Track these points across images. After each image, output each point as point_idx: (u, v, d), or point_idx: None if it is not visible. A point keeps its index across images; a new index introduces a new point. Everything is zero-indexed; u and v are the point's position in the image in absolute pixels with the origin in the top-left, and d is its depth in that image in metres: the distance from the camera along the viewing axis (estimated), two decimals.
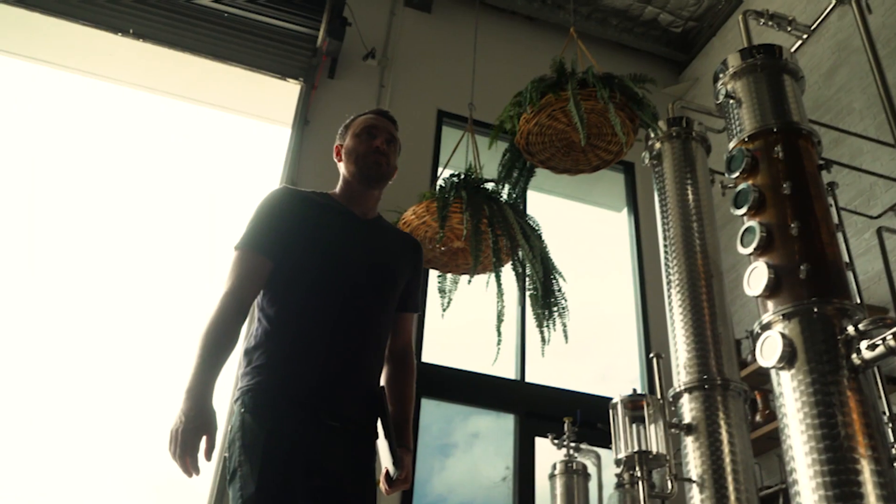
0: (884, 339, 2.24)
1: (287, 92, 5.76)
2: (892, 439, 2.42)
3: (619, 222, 6.61)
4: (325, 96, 5.64)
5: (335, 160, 2.31)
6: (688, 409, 3.02)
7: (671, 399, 3.14)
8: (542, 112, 3.86)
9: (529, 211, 4.56)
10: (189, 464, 1.76)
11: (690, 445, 2.95)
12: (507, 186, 4.37)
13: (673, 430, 3.01)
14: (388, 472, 2.00)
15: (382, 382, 2.21)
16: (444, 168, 4.72)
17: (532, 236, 3.99)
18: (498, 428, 5.24)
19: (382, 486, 2.06)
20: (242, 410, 1.89)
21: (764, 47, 3.08)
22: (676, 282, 3.30)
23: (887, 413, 2.49)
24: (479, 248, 3.71)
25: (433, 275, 5.07)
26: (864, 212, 4.15)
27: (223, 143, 6.23)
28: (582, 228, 6.70)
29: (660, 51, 7.14)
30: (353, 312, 2.05)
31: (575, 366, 5.71)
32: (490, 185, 4.22)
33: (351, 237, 2.17)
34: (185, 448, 1.76)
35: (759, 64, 3.03)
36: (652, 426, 2.95)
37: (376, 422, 2.02)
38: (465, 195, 3.83)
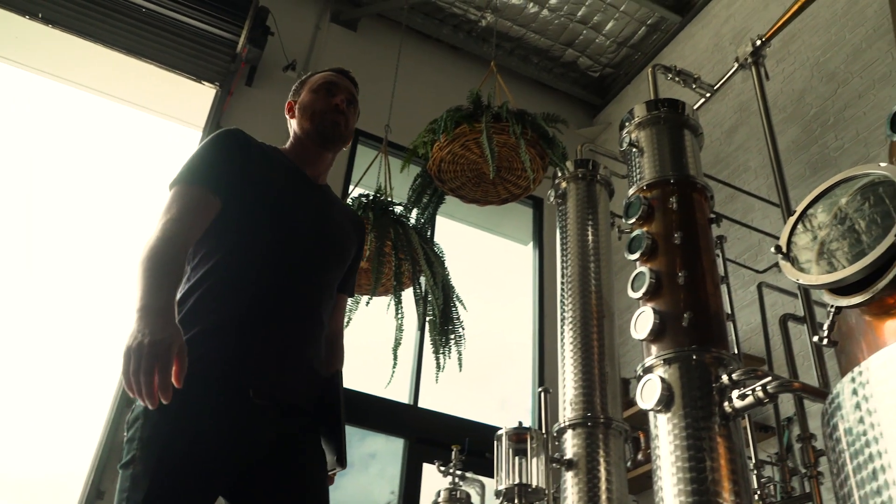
0: (753, 390, 2.34)
1: (202, 95, 5.64)
2: (754, 485, 2.53)
3: (525, 255, 6.72)
4: (240, 103, 5.56)
5: (286, 116, 2.10)
6: (570, 445, 3.09)
7: (555, 434, 3.20)
8: (455, 141, 3.91)
9: (437, 237, 4.59)
10: (160, 381, 1.42)
11: (570, 480, 3.01)
12: (415, 211, 4.39)
13: (554, 464, 3.06)
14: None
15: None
16: (355, 186, 4.71)
17: (436, 263, 4.01)
18: (388, 451, 5.22)
19: None
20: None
21: (668, 101, 3.21)
22: (570, 319, 3.37)
23: (753, 459, 2.61)
24: (380, 270, 3.71)
25: None
26: (752, 266, 4.36)
27: (133, 140, 6.03)
28: (489, 258, 6.79)
29: (577, 93, 7.36)
30: (301, 281, 1.83)
31: (473, 394, 5.75)
32: (399, 209, 4.24)
33: (302, 198, 1.95)
34: (155, 360, 1.42)
35: (662, 117, 3.15)
36: (534, 459, 2.99)
37: (322, 407, 1.81)
38: (372, 216, 3.82)
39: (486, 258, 6.76)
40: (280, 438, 1.72)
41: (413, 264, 3.85)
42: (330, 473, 1.83)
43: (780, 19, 3.38)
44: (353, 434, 5.23)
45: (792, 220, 1.86)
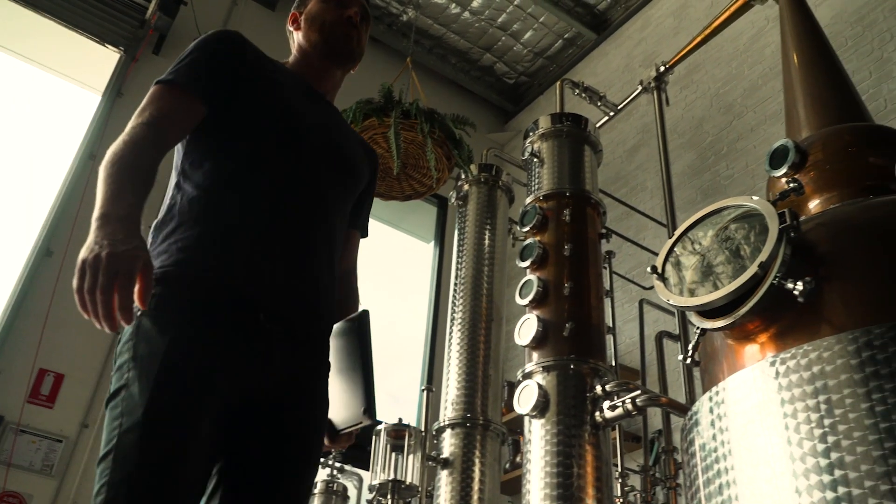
0: (623, 402, 2.44)
1: (105, 59, 5.41)
2: (617, 493, 2.63)
3: (427, 253, 6.76)
4: (145, 71, 5.35)
5: (289, 30, 1.89)
6: (448, 444, 3.13)
7: (434, 432, 3.24)
8: (363, 133, 3.89)
9: None
10: (120, 301, 1.20)
11: (444, 479, 3.05)
12: None
13: (430, 462, 3.10)
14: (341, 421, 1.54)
15: None
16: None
17: None
18: None
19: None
20: (139, 312, 1.38)
21: (572, 116, 3.30)
22: (459, 320, 3.42)
23: (619, 468, 2.71)
24: None
25: None
26: (639, 282, 4.52)
27: (28, 98, 5.73)
28: (391, 253, 6.79)
29: (492, 97, 7.44)
30: (312, 199, 1.63)
31: None
32: None
33: (309, 106, 1.75)
34: (115, 276, 1.20)
35: (565, 130, 3.24)
36: (411, 457, 3.02)
37: (327, 345, 1.61)
38: None
39: (389, 252, 6.76)
40: (287, 378, 1.52)
41: None
42: (352, 428, 1.55)
43: (683, 48, 3.52)
44: None
45: (669, 242, 1.95)
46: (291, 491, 1.49)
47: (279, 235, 1.56)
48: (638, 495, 2.84)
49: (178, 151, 1.64)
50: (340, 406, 1.54)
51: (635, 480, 3.11)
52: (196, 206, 1.53)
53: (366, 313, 1.59)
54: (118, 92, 5.19)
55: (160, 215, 1.57)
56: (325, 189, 1.67)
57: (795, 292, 1.67)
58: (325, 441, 1.58)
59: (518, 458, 4.61)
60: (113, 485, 1.28)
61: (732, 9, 3.28)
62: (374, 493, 3.04)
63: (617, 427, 3.08)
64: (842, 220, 1.91)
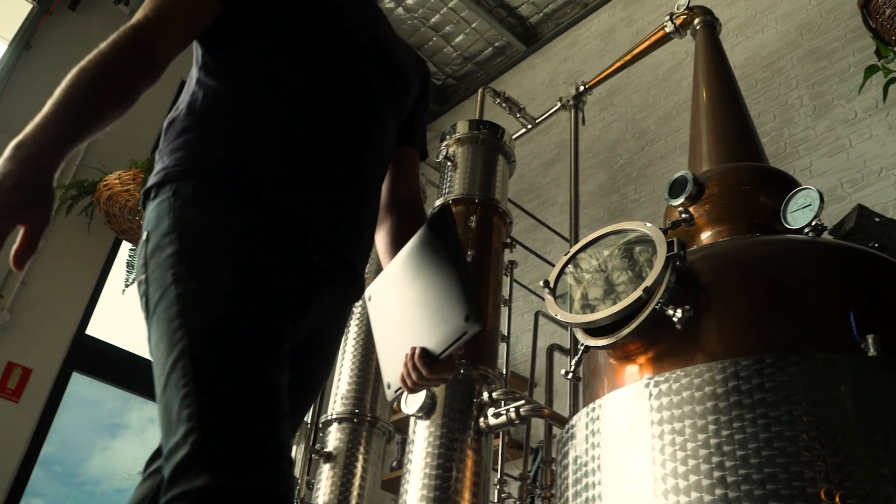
0: (507, 410, 2.48)
1: (17, 8, 5.14)
2: (494, 499, 2.67)
3: None
4: (58, 26, 5.12)
5: None
6: (333, 438, 3.11)
7: (321, 425, 3.22)
8: None
9: None
10: None
11: (326, 473, 3.03)
12: None
13: (314, 455, 3.07)
14: (440, 341, 1.21)
15: (382, 238, 1.54)
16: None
17: None
18: (153, 419, 5.01)
19: (415, 368, 1.24)
20: (177, 203, 1.18)
21: (490, 125, 3.33)
22: (359, 315, 3.40)
23: (499, 475, 2.75)
24: None
25: (126, 247, 4.77)
26: (541, 294, 4.61)
27: None
28: None
29: None
30: (361, 108, 1.39)
31: None
32: None
33: (356, 9, 1.49)
34: None
35: (481, 138, 3.27)
36: (294, 448, 2.99)
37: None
38: None
39: None
40: (318, 319, 1.31)
41: None
42: (455, 345, 1.20)
43: (603, 71, 3.61)
44: (133, 399, 4.99)
45: (564, 259, 1.99)
46: None
47: (327, 148, 1.32)
48: (515, 502, 2.89)
49: (196, 45, 1.38)
50: (429, 328, 1.23)
51: (515, 488, 3.16)
52: (227, 103, 1.29)
53: (446, 207, 1.30)
54: (27, 44, 4.95)
55: (176, 112, 1.32)
56: (375, 97, 1.42)
57: (674, 319, 1.74)
58: (424, 373, 1.24)
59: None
60: (207, 415, 1.02)
61: (652, 39, 3.38)
62: None
63: (501, 434, 3.13)
64: (727, 254, 2.00)
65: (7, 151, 1.06)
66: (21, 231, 1.04)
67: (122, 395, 4.93)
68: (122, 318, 4.96)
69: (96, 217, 4.40)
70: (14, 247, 1.03)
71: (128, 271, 4.17)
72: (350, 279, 1.36)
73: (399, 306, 1.31)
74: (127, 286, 4.12)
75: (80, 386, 4.73)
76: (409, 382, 1.27)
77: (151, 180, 1.26)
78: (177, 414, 1.02)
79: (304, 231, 1.25)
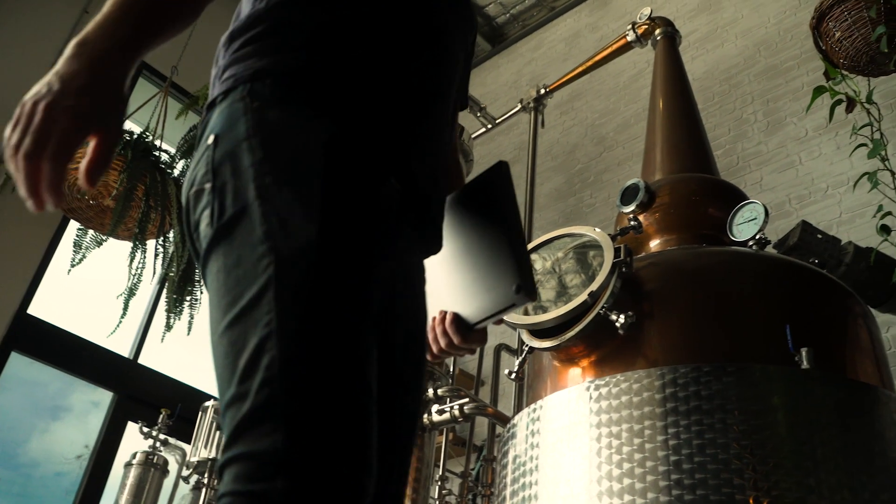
0: (451, 408, 2.49)
1: None
2: (435, 495, 2.68)
3: None
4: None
5: None
6: None
7: None
8: None
9: None
10: (50, 172, 0.81)
11: None
12: (183, 163, 4.19)
13: None
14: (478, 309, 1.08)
15: None
16: (125, 119, 4.41)
17: None
18: (95, 403, 4.92)
19: (445, 335, 1.14)
20: (255, 104, 0.98)
21: None
22: None
23: (440, 471, 2.76)
24: (124, 212, 3.50)
25: (74, 226, 4.67)
26: None
27: None
28: None
29: None
30: (445, 52, 1.22)
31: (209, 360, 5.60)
32: (165, 156, 4.02)
33: None
34: (47, 139, 0.81)
35: None
36: None
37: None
38: (129, 155, 3.60)
39: None
40: (404, 273, 1.12)
41: (163, 216, 3.67)
42: (496, 315, 1.08)
43: (565, 76, 3.64)
44: (58, 378, 4.89)
45: None
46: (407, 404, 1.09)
47: (421, 88, 1.14)
48: (455, 499, 2.90)
49: None
50: (470, 294, 1.11)
51: (456, 485, 3.18)
52: (305, 12, 1.08)
53: (504, 163, 1.14)
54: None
55: (238, 23, 1.12)
56: (455, 43, 1.26)
57: (617, 324, 1.77)
58: (456, 341, 1.14)
59: None
60: (293, 363, 0.84)
61: (614, 46, 3.42)
62: (190, 469, 2.96)
63: (445, 431, 3.14)
64: (672, 263, 2.04)
65: (69, 49, 0.87)
66: (92, 142, 0.85)
67: (64, 378, 4.83)
68: (67, 299, 4.85)
69: None
70: (85, 160, 0.84)
71: (74, 251, 4.07)
72: (431, 234, 1.15)
73: (438, 265, 1.16)
74: (73, 266, 4.02)
75: (21, 366, 4.62)
76: (434, 349, 1.15)
77: (216, 90, 1.06)
78: (250, 357, 0.84)
79: (398, 160, 1.06)
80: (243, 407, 0.82)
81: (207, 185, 0.96)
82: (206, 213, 0.95)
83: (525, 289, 1.00)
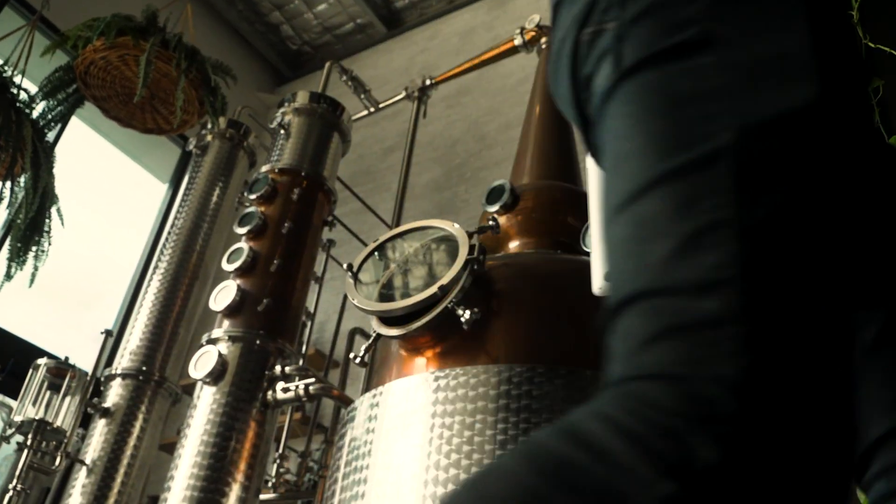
0: (297, 387, 2.48)
1: None
2: (271, 473, 2.66)
3: (159, 194, 6.39)
4: None
5: None
6: (114, 394, 2.97)
7: (103, 378, 3.06)
8: (114, 50, 3.61)
9: (72, 143, 4.16)
10: None
11: (100, 428, 2.89)
12: (44, 104, 3.94)
13: (90, 409, 2.92)
14: None
15: None
16: None
17: (43, 166, 3.64)
18: None
19: None
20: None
21: (330, 100, 3.30)
22: (163, 269, 3.27)
23: (280, 449, 2.74)
24: None
25: None
26: None
27: None
28: (126, 183, 6.35)
29: (271, 56, 7.23)
30: None
31: (69, 317, 5.32)
32: (24, 94, 3.77)
33: None
34: None
35: (319, 112, 3.23)
36: (68, 399, 2.82)
37: None
38: None
39: (122, 183, 6.31)
40: None
41: (13, 157, 3.44)
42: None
43: (451, 70, 3.67)
44: None
45: (370, 247, 2.02)
46: None
47: None
48: (292, 478, 2.89)
49: None
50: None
51: (296, 464, 3.16)
52: None
53: None
54: None
55: None
56: None
57: (462, 319, 1.81)
58: None
59: None
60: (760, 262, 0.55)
61: (502, 48, 3.49)
62: (13, 428, 2.80)
63: (291, 410, 3.12)
64: (524, 265, 2.10)
65: None
66: None
67: None
68: None
69: None
70: None
71: None
72: None
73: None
74: None
75: None
76: None
77: None
78: (686, 244, 0.58)
79: None
80: (705, 305, 0.57)
81: (610, 24, 0.69)
82: (611, 58, 0.69)
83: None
